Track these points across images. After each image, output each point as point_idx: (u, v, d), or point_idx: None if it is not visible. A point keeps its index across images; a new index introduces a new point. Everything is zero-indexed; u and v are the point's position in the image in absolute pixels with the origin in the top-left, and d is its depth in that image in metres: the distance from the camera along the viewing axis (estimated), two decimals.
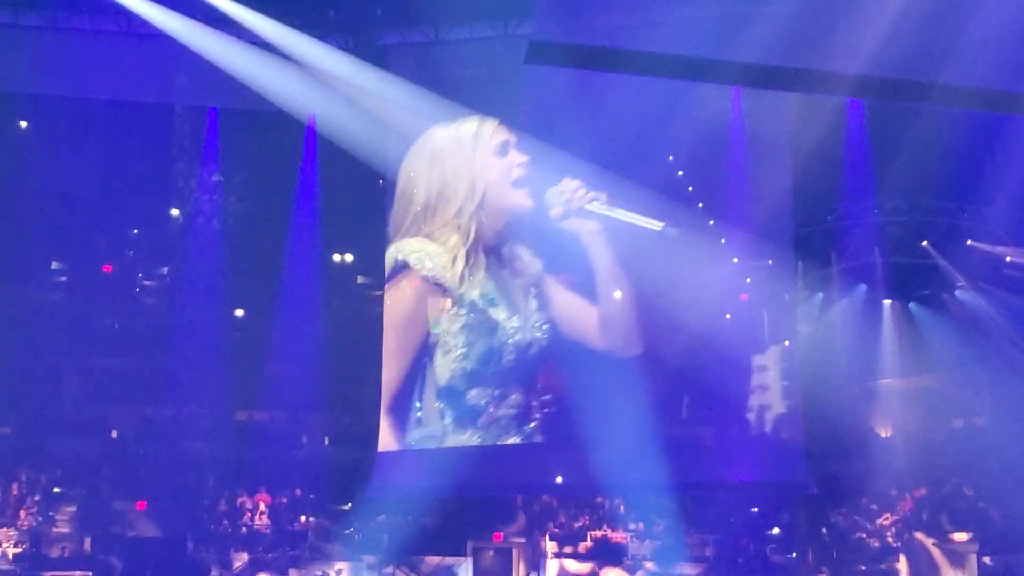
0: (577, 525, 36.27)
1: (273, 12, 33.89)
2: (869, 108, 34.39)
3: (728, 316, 34.12)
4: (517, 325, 33.53)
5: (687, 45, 31.86)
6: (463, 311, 33.46)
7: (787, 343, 34.56)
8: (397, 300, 34.27)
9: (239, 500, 36.52)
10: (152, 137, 37.03)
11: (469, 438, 33.65)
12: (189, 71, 34.73)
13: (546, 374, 33.85)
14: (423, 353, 33.90)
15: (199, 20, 33.96)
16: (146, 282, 39.79)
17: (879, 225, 35.62)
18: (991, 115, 27.39)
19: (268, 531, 35.72)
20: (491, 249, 33.70)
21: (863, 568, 34.86)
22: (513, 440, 33.62)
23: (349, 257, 39.66)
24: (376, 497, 35.58)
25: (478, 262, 33.38)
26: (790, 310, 35.02)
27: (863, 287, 36.22)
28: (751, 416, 33.92)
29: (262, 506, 36.39)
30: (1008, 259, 35.61)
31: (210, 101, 36.59)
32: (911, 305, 36.57)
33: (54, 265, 38.76)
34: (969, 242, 35.77)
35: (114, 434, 37.47)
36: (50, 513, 35.37)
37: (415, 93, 34.16)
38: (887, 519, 35.43)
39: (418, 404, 33.96)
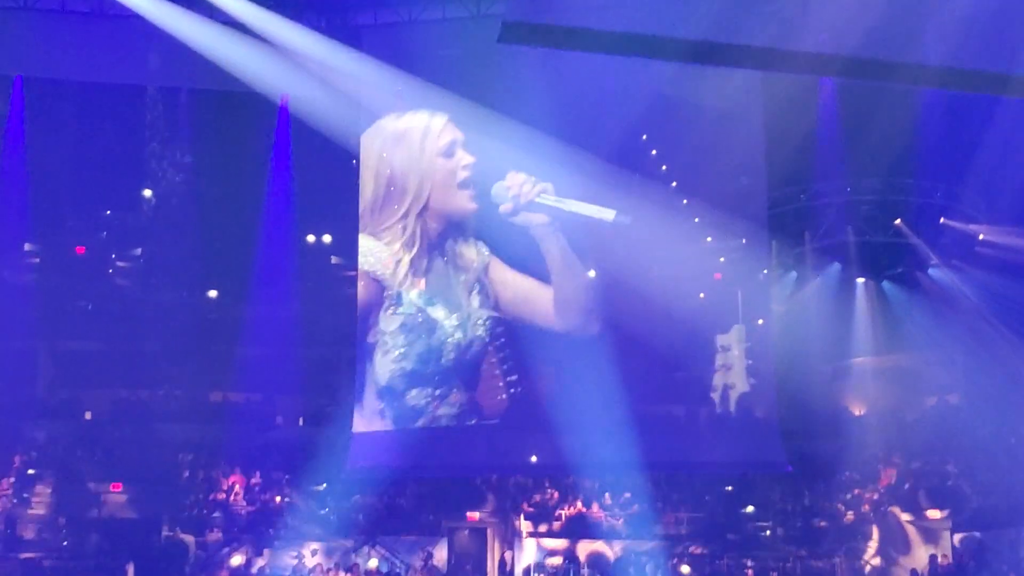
0: (551, 503, 36.28)
1: None
2: (841, 87, 34.43)
3: (702, 295, 34.16)
4: (456, 323, 33.61)
5: (658, 24, 31.92)
6: (401, 310, 33.60)
7: (761, 322, 34.63)
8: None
9: (214, 481, 36.46)
10: (124, 118, 36.92)
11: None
12: (161, 52, 34.60)
13: (503, 361, 33.91)
14: (364, 349, 34.12)
15: (171, 1, 33.82)
16: (119, 263, 39.69)
17: (852, 204, 35.68)
18: (963, 94, 27.46)
19: (243, 512, 35.68)
20: (434, 246, 33.83)
21: (837, 545, 34.97)
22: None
23: (324, 238, 39.65)
24: (351, 478, 35.58)
25: (420, 262, 33.52)
26: (764, 289, 35.08)
27: (837, 266, 36.29)
28: (724, 395, 33.97)
29: (237, 487, 36.35)
30: (981, 237, 35.71)
31: (182, 82, 36.46)
32: (884, 283, 36.66)
33: (27, 247, 38.60)
34: (942, 220, 35.85)
35: (88, 416, 37.37)
36: (25, 495, 35.30)
37: (388, 74, 34.12)
38: (861, 496, 35.53)
39: (359, 404, 34.18)
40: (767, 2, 31.13)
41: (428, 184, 33.76)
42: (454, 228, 33.91)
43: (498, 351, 33.88)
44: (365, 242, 34.22)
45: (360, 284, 34.43)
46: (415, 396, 33.68)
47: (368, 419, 34.26)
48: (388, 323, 33.60)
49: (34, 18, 35.17)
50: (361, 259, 34.11)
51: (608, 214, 32.10)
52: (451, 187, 33.61)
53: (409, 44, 35.12)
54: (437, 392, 33.68)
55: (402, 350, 33.61)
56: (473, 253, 33.83)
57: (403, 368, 33.66)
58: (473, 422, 33.90)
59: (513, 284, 33.83)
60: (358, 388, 34.40)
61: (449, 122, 33.77)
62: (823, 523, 35.59)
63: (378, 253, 33.75)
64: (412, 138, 34.03)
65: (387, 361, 33.74)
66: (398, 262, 33.64)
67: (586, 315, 33.58)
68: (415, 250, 33.76)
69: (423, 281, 33.61)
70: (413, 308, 33.64)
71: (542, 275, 33.76)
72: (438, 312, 33.64)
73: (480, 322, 33.71)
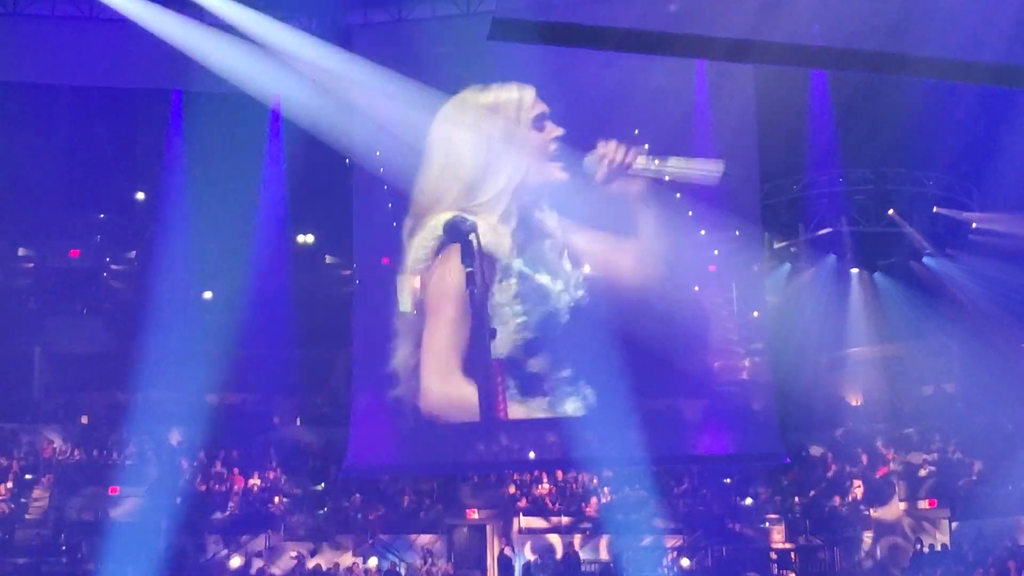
0: (550, 499, 36.34)
1: None
2: (832, 79, 34.45)
3: (696, 288, 34.17)
4: (562, 287, 33.43)
5: (649, 19, 31.98)
6: (512, 281, 33.33)
7: (756, 314, 34.63)
8: (449, 272, 33.91)
9: (212, 483, 36.48)
10: (117, 122, 36.90)
11: (531, 410, 33.50)
12: (152, 55, 34.53)
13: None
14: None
15: (161, 4, 33.82)
16: (113, 267, 39.75)
17: (845, 194, 35.73)
18: (954, 84, 27.50)
19: (242, 513, 35.70)
20: (524, 218, 33.65)
21: (836, 535, 35.03)
22: (574, 407, 33.59)
23: (310, 238, 39.68)
24: (349, 477, 35.62)
25: (519, 235, 33.33)
26: (758, 281, 35.08)
27: (831, 256, 36.34)
28: (721, 388, 33.97)
29: (235, 488, 36.37)
30: (974, 225, 35.78)
31: (174, 85, 36.44)
32: (878, 273, 36.71)
33: (21, 251, 38.63)
34: (936, 209, 35.90)
35: (84, 419, 37.38)
36: (22, 499, 35.31)
37: (379, 73, 34.11)
38: (860, 486, 35.58)
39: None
40: None
41: (525, 158, 33.55)
42: (539, 199, 33.73)
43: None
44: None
45: (456, 258, 33.76)
46: (536, 363, 33.38)
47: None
48: (503, 294, 33.23)
49: (25, 23, 35.14)
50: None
51: (716, 168, 32.15)
52: (545, 160, 33.44)
53: (400, 43, 35.12)
54: (554, 358, 33.43)
55: (523, 319, 33.28)
56: (555, 222, 33.68)
57: (524, 337, 33.31)
58: (585, 383, 33.56)
59: (591, 240, 33.62)
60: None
61: (537, 95, 33.67)
62: (822, 513, 35.63)
63: (482, 228, 33.35)
64: (507, 112, 33.81)
65: (507, 332, 33.31)
66: (499, 235, 33.33)
67: (670, 267, 33.36)
68: (513, 223, 33.53)
69: (524, 251, 33.37)
70: (523, 277, 33.28)
71: (622, 231, 33.71)
72: (544, 278, 33.41)
73: (577, 282, 33.50)
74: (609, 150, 32.67)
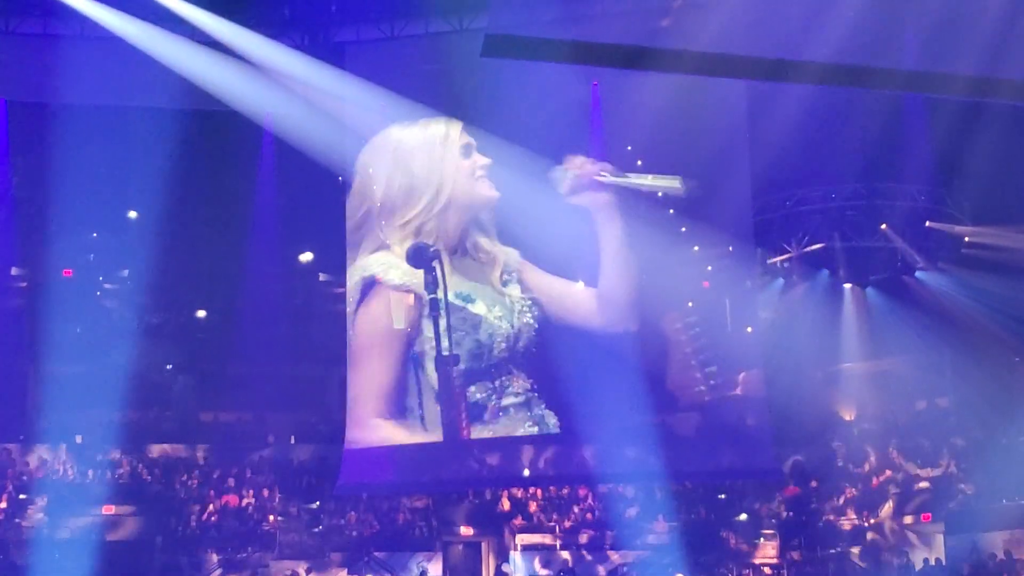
0: (544, 517, 36.30)
1: (226, 12, 33.78)
2: (823, 93, 34.48)
3: (690, 304, 34.19)
4: (501, 314, 33.43)
5: (640, 35, 32.04)
6: (440, 312, 33.32)
7: (749, 329, 34.66)
8: (373, 315, 33.90)
9: (207, 501, 36.43)
10: (108, 140, 36.85)
11: (480, 432, 33.58)
12: (143, 73, 34.54)
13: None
14: (410, 361, 33.66)
15: (152, 22, 33.83)
16: (107, 285, 39.66)
17: (837, 209, 35.79)
18: (943, 97, 27.53)
19: (237, 531, 35.64)
20: (455, 247, 33.64)
21: (831, 551, 35.01)
22: (530, 429, 33.57)
23: (310, 255, 39.64)
24: (344, 495, 35.59)
25: (444, 263, 33.27)
26: (751, 297, 35.12)
27: (824, 272, 36.39)
28: (715, 403, 33.98)
29: (230, 506, 36.32)
30: (967, 239, 35.82)
31: (165, 103, 36.43)
32: (871, 288, 36.75)
33: (14, 271, 38.57)
34: (928, 223, 35.95)
35: (79, 439, 37.31)
36: (16, 520, 35.23)
37: (372, 91, 34.14)
38: (854, 501, 35.58)
39: (418, 410, 33.71)
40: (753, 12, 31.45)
41: (450, 180, 33.55)
42: (476, 225, 33.71)
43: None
44: (384, 257, 33.86)
45: (393, 298, 33.91)
46: (474, 392, 33.41)
47: (430, 422, 33.72)
48: (431, 328, 33.26)
49: (15, 41, 35.16)
50: (383, 275, 33.65)
51: (674, 183, 32.26)
52: (472, 179, 33.48)
53: (392, 60, 35.19)
54: (495, 384, 33.46)
55: (453, 352, 33.29)
56: (500, 253, 33.67)
57: (458, 369, 33.35)
58: (542, 407, 33.66)
59: (547, 286, 33.66)
60: (416, 394, 33.78)
61: (464, 129, 33.73)
62: (816, 528, 35.61)
63: (401, 265, 33.43)
64: (433, 141, 33.83)
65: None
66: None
67: (630, 309, 33.42)
68: (437, 249, 33.52)
69: (455, 281, 33.36)
70: (453, 308, 33.27)
71: (572, 275, 33.68)
72: (478, 307, 33.42)
73: (525, 307, 33.51)
74: (576, 163, 32.74)
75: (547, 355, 33.24)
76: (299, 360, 37.17)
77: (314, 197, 36.68)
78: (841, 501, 35.85)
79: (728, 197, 33.91)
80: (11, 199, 36.25)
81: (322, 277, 40.20)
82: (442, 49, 34.50)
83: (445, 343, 32.80)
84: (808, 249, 36.18)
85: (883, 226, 35.63)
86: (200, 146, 36.24)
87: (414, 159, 33.76)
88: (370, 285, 33.72)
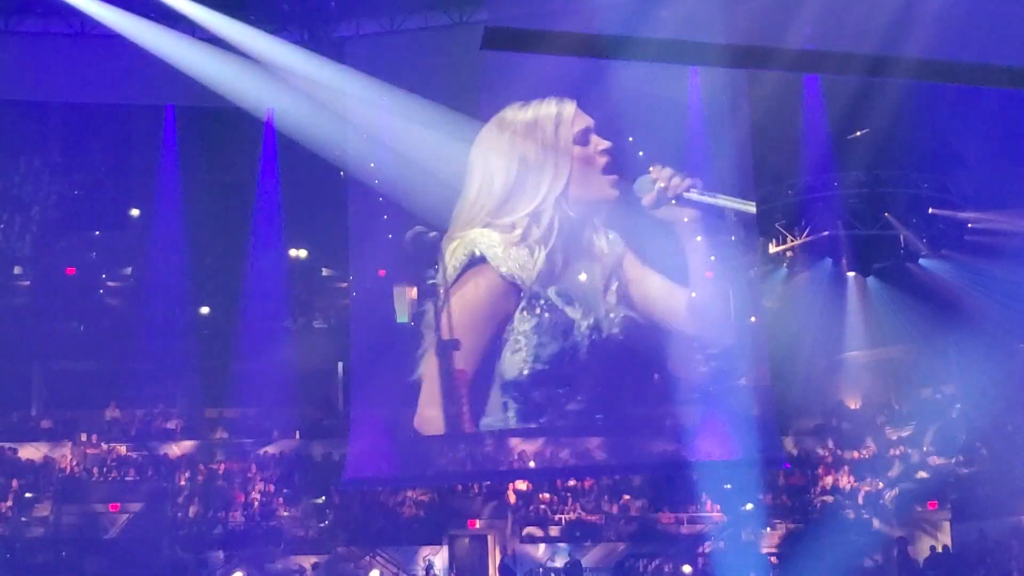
0: (551, 508, 36.27)
1: (226, 8, 33.77)
2: (825, 82, 34.46)
3: (694, 294, 34.14)
4: (592, 323, 33.28)
5: (643, 27, 31.96)
6: (537, 310, 33.22)
7: (753, 319, 34.61)
8: (472, 295, 33.84)
9: (213, 497, 36.41)
10: (110, 138, 36.89)
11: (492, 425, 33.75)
12: (145, 71, 34.52)
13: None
14: (494, 347, 33.57)
15: (152, 19, 33.83)
16: (110, 283, 39.70)
17: (840, 198, 35.74)
18: (946, 86, 27.51)
19: (243, 527, 35.63)
20: (569, 239, 33.56)
21: (838, 540, 34.93)
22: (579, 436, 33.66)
23: (312, 250, 39.65)
24: (349, 489, 35.57)
25: (556, 258, 33.22)
26: (755, 286, 35.06)
27: (827, 260, 36.35)
28: (720, 393, 33.93)
29: (236, 502, 36.31)
30: (970, 225, 35.76)
31: (167, 100, 36.44)
32: (875, 276, 36.70)
33: (16, 270, 38.58)
34: (931, 210, 35.90)
35: (83, 436, 37.32)
36: (22, 518, 35.24)
37: (372, 84, 34.13)
38: (860, 488, 35.53)
39: (483, 396, 33.69)
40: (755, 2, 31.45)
41: (565, 171, 33.45)
42: (589, 220, 33.65)
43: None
44: (499, 238, 33.71)
45: (483, 279, 33.91)
46: (541, 394, 33.37)
47: (491, 410, 33.74)
48: (523, 322, 33.10)
49: (16, 40, 35.16)
50: (495, 259, 33.48)
51: (750, 207, 32.32)
52: (592, 173, 33.39)
53: (392, 54, 35.15)
54: (563, 390, 33.43)
55: (534, 351, 33.19)
56: (607, 247, 33.54)
57: (533, 368, 33.30)
58: (600, 417, 33.67)
59: (648, 282, 33.53)
60: (484, 379, 33.73)
61: (579, 108, 33.64)
62: (823, 516, 35.56)
63: (514, 253, 33.25)
64: (544, 125, 33.77)
65: (516, 359, 33.30)
66: (534, 256, 33.31)
67: (724, 321, 33.35)
68: (551, 244, 33.47)
69: (560, 278, 33.27)
70: (550, 307, 33.18)
71: (677, 277, 33.72)
72: (575, 312, 33.30)
73: (616, 319, 33.39)
74: (664, 175, 32.63)
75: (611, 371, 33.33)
76: (303, 356, 37.11)
77: (316, 192, 36.66)
78: (848, 488, 35.75)
79: (731, 186, 33.85)
80: (13, 197, 36.22)
81: (325, 272, 40.20)
82: (442, 42, 34.50)
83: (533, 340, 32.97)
84: (811, 238, 36.13)
85: (886, 214, 35.59)
86: (202, 142, 36.26)
87: (526, 145, 33.66)
88: (477, 262, 33.64)
